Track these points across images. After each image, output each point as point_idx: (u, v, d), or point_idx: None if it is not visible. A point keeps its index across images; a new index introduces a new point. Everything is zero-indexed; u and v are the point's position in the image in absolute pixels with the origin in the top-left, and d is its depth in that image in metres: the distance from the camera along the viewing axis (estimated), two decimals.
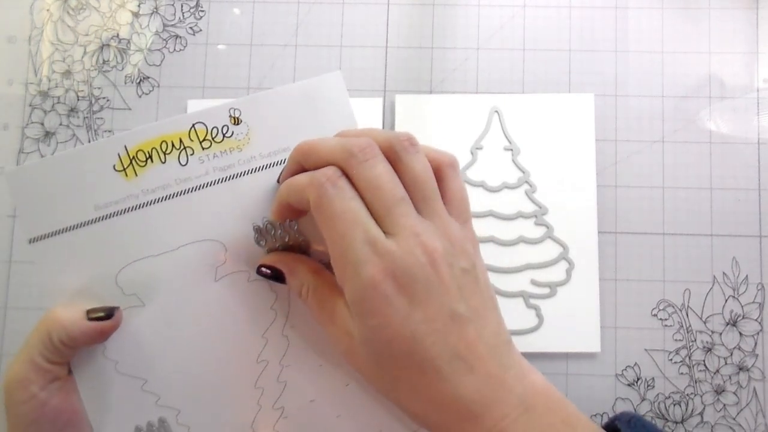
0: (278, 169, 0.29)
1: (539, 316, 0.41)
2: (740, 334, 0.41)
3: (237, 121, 0.29)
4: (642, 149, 0.43)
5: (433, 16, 0.45)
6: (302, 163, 0.27)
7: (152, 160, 0.28)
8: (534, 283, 0.42)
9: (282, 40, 0.45)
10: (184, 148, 0.28)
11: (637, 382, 0.41)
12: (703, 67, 0.44)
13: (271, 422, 0.30)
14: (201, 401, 0.29)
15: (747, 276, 0.42)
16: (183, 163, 0.28)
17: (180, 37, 0.45)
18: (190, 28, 0.45)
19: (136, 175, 0.28)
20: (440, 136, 0.43)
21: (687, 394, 0.41)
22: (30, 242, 0.28)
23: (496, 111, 0.43)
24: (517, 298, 0.41)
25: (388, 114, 0.44)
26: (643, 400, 0.41)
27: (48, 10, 0.46)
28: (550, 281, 0.41)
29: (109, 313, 0.27)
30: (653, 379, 0.41)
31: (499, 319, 0.27)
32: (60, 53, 0.45)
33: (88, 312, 0.27)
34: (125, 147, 0.28)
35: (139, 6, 0.46)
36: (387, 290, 0.24)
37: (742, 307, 0.42)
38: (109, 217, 0.28)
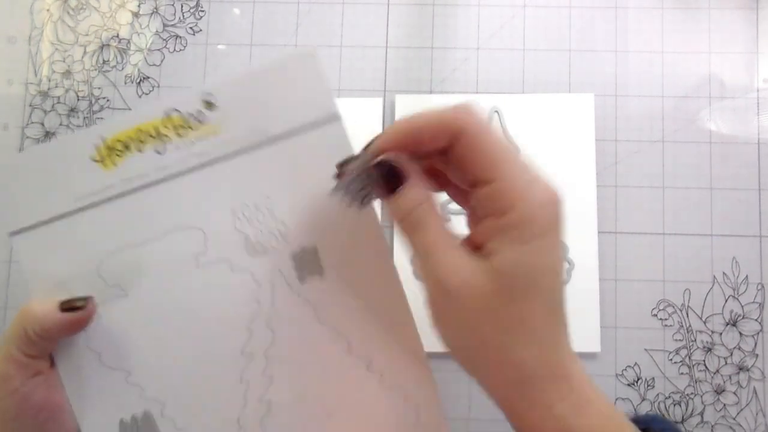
0: (256, 153, 0.28)
1: None
2: (740, 334, 0.41)
3: (211, 106, 0.28)
4: (642, 149, 0.43)
5: (433, 16, 0.45)
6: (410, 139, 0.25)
7: (130, 150, 0.28)
8: None
9: (282, 40, 0.45)
10: (160, 136, 0.28)
11: (637, 382, 0.41)
12: (703, 67, 0.44)
13: (257, 417, 0.29)
14: (186, 395, 0.29)
15: (747, 276, 0.42)
16: (160, 152, 0.28)
17: (180, 37, 0.45)
18: (190, 28, 0.45)
19: (115, 165, 0.28)
20: None
21: (687, 394, 0.41)
22: (11, 235, 0.28)
23: (496, 111, 0.43)
24: None
25: (388, 114, 0.44)
26: (643, 400, 0.41)
27: (48, 10, 0.46)
28: None
29: (82, 304, 0.27)
30: (653, 379, 0.41)
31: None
32: (60, 53, 0.45)
33: (61, 303, 0.27)
34: (102, 137, 0.28)
35: (139, 6, 0.46)
36: (558, 214, 0.24)
37: (742, 307, 0.42)
38: (89, 208, 0.28)
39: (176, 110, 0.28)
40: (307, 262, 0.29)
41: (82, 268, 0.28)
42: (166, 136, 0.28)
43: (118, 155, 0.28)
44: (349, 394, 0.29)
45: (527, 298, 0.23)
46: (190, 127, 0.28)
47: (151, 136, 0.28)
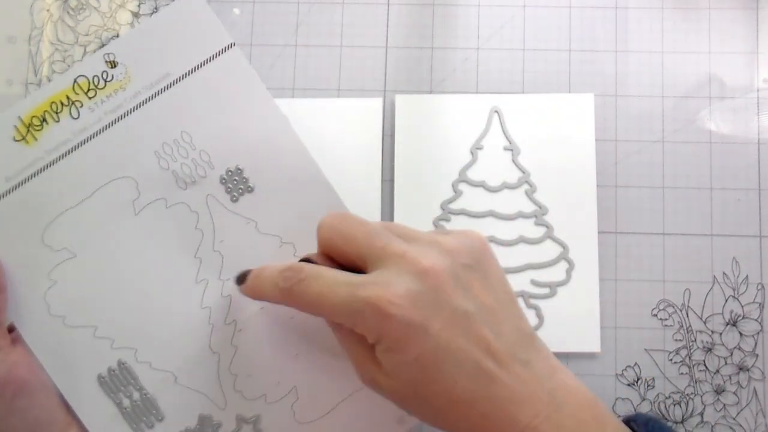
0: (164, 96, 0.31)
1: (539, 316, 0.41)
2: (740, 334, 0.41)
3: (113, 65, 0.30)
4: (642, 149, 0.43)
5: (433, 16, 0.45)
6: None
7: (47, 122, 0.30)
8: (534, 283, 0.42)
9: (282, 40, 0.45)
10: (73, 102, 0.30)
11: (637, 382, 0.41)
12: (703, 67, 0.44)
13: (227, 337, 0.30)
14: (154, 335, 0.30)
15: (747, 276, 0.42)
16: (75, 117, 0.30)
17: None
18: None
19: (36, 139, 0.30)
20: (440, 136, 0.43)
21: (687, 394, 0.41)
22: None
23: (496, 111, 0.43)
24: (517, 298, 0.41)
25: (388, 114, 0.44)
26: (643, 400, 0.41)
27: (48, 10, 0.46)
28: (550, 281, 0.41)
29: None
30: (653, 379, 0.41)
31: (518, 313, 0.26)
32: (60, 53, 0.45)
33: None
34: (19, 117, 0.30)
35: (139, 6, 0.46)
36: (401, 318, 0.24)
37: (742, 307, 0.42)
38: (22, 185, 0.30)
39: (82, 75, 0.30)
40: (236, 182, 0.31)
41: (27, 242, 0.29)
42: (78, 101, 0.30)
43: (37, 130, 0.30)
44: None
45: (433, 385, 0.24)
46: (99, 88, 0.30)
47: (63, 104, 0.30)
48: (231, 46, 0.31)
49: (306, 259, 0.28)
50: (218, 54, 0.31)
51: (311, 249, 0.30)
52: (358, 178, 0.42)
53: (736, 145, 0.43)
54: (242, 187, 0.31)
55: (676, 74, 0.44)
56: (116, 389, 0.30)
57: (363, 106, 0.43)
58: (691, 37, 0.44)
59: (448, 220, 0.42)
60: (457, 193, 0.42)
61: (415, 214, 0.42)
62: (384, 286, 0.24)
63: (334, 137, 0.43)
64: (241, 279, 0.29)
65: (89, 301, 0.30)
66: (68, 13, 0.46)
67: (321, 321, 0.30)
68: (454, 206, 0.42)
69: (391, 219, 0.42)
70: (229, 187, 0.31)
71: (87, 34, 0.45)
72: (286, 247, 0.31)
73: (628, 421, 0.27)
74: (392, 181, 0.42)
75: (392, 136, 0.43)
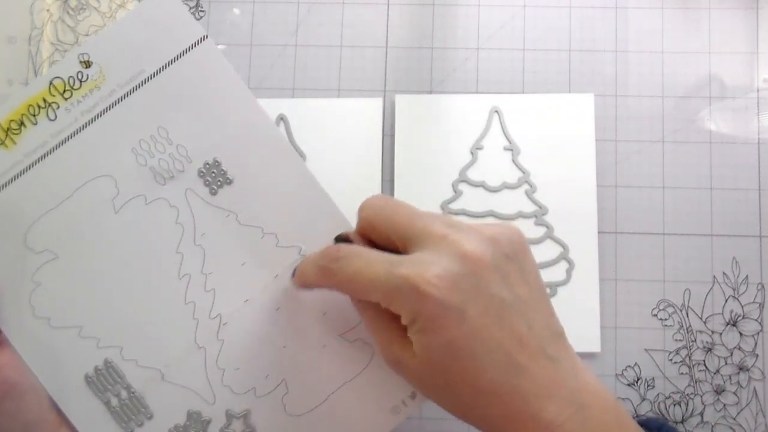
0: (138, 92, 0.31)
1: None
2: (740, 334, 0.41)
3: (88, 64, 0.30)
4: (642, 149, 0.43)
5: (433, 16, 0.45)
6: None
7: (25, 126, 0.30)
8: None
9: (282, 40, 0.45)
10: (49, 104, 0.30)
11: (637, 382, 0.41)
12: (703, 67, 0.44)
13: (213, 332, 0.30)
14: (139, 332, 0.30)
15: (747, 276, 0.42)
16: (52, 119, 0.30)
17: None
18: None
19: (15, 143, 0.30)
20: (440, 136, 0.43)
21: (687, 394, 0.41)
22: None
23: (496, 111, 0.43)
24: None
25: (388, 114, 0.44)
26: (643, 400, 0.41)
27: (48, 10, 0.46)
28: (550, 281, 0.41)
29: None
30: (653, 379, 0.41)
31: (549, 309, 0.26)
32: (60, 53, 0.45)
33: None
34: None
35: None
36: (420, 298, 0.24)
37: (742, 307, 0.42)
38: (3, 189, 0.30)
39: (58, 77, 0.30)
40: (214, 175, 0.31)
41: (9, 246, 0.30)
42: (54, 102, 0.30)
43: (15, 134, 0.30)
44: (291, 281, 0.31)
45: (461, 371, 0.24)
46: (74, 89, 0.30)
47: (40, 107, 0.30)
48: (204, 38, 0.31)
49: (344, 238, 0.28)
50: (191, 48, 0.31)
51: (294, 238, 0.30)
52: (358, 178, 0.42)
53: (736, 145, 0.43)
54: (221, 179, 0.31)
55: (676, 74, 0.44)
56: (104, 388, 0.30)
57: (363, 106, 0.43)
58: (691, 37, 0.44)
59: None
60: (457, 193, 0.42)
61: None
62: (424, 266, 0.24)
63: (334, 137, 0.43)
64: (294, 272, 0.29)
65: (73, 302, 0.30)
66: (68, 13, 0.46)
67: (308, 312, 0.30)
68: (454, 206, 0.42)
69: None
70: (207, 180, 0.31)
71: (87, 34, 0.45)
72: (269, 237, 0.31)
73: (639, 425, 0.27)
74: (392, 181, 0.42)
75: (392, 136, 0.43)
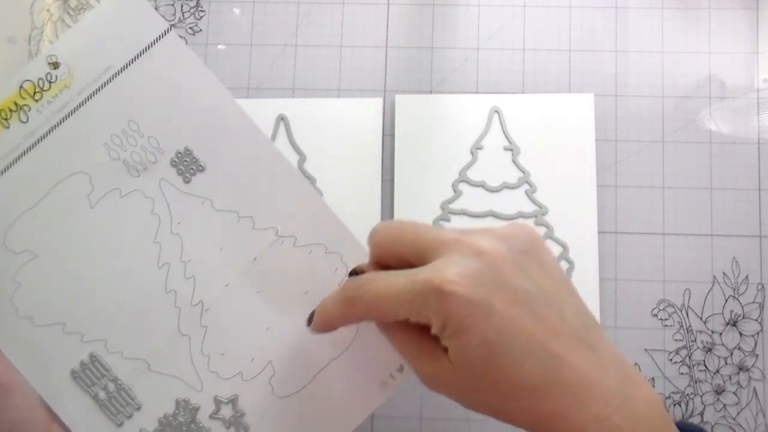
0: (107, 88, 0.31)
1: None
2: (740, 334, 0.41)
3: (56, 65, 0.31)
4: (642, 149, 0.43)
5: (433, 16, 0.45)
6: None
7: None
8: None
9: (282, 40, 0.45)
10: (21, 107, 0.31)
11: None
12: (703, 67, 0.44)
13: (196, 319, 0.31)
14: (122, 324, 0.30)
15: (747, 276, 0.42)
16: (24, 121, 0.31)
17: (180, 37, 0.45)
18: (190, 28, 0.45)
19: None
20: (440, 136, 0.43)
21: (687, 394, 0.41)
22: None
23: (496, 111, 0.43)
24: None
25: (388, 114, 0.44)
26: None
27: (48, 10, 0.46)
28: None
29: None
30: (653, 379, 0.41)
31: (578, 299, 0.26)
32: None
33: None
34: None
35: None
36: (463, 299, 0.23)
37: (742, 307, 0.42)
38: None
39: (27, 80, 0.31)
40: (187, 163, 0.31)
41: None
42: (25, 105, 0.31)
43: None
44: (270, 262, 0.31)
45: (500, 370, 0.24)
46: (44, 90, 0.31)
47: (11, 110, 0.31)
48: (168, 31, 0.32)
49: (359, 271, 0.28)
50: (156, 41, 0.32)
51: (270, 220, 0.31)
52: (358, 178, 0.42)
53: (736, 145, 0.43)
54: (193, 167, 0.31)
55: (676, 74, 0.44)
56: (91, 383, 0.30)
57: (363, 106, 0.43)
58: (691, 37, 0.44)
59: (448, 220, 0.42)
60: (457, 193, 0.42)
61: (415, 214, 0.42)
62: (443, 268, 0.24)
63: (334, 137, 0.43)
64: (310, 320, 0.29)
65: (56, 299, 0.30)
66: (68, 13, 0.46)
67: (290, 292, 0.31)
68: (454, 206, 0.42)
69: (391, 219, 0.42)
70: (180, 169, 0.31)
71: None
72: (245, 220, 0.31)
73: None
74: (392, 181, 0.42)
75: (392, 136, 0.43)
